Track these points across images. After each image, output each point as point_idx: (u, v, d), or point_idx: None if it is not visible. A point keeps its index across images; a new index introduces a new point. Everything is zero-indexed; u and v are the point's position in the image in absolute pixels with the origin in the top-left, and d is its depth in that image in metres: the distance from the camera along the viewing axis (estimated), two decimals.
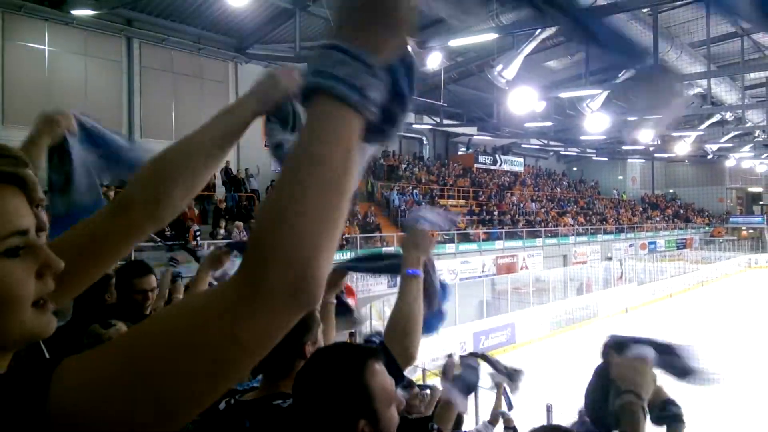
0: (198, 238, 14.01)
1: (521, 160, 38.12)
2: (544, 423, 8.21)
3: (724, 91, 22.64)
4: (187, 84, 17.80)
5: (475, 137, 33.70)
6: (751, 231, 44.33)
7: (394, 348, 1.60)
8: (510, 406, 5.68)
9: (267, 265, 0.59)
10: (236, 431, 1.43)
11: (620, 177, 46.86)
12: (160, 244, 13.22)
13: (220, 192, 17.19)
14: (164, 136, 17.16)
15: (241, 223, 15.24)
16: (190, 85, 17.90)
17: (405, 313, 1.66)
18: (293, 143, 0.66)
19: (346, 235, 18.17)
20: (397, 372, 1.59)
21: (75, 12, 14.48)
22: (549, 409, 8.28)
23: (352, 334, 14.08)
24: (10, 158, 0.72)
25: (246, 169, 18.24)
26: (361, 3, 0.68)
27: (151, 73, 16.91)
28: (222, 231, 14.80)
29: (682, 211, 45.72)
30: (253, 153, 19.31)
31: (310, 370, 1.15)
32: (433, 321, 1.89)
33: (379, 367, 1.15)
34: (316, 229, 0.61)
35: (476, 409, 6.48)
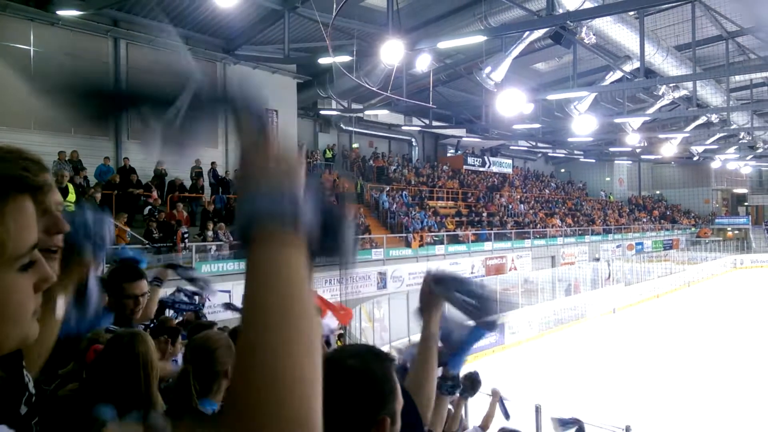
0: (186, 241, 13.93)
1: (510, 161, 38.32)
2: (534, 426, 8.25)
3: (709, 93, 22.91)
4: None
5: (463, 139, 33.84)
6: (736, 232, 44.89)
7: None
8: (507, 416, 5.60)
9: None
10: None
11: (607, 178, 47.24)
12: (147, 246, 13.13)
13: (208, 194, 17.09)
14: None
15: (224, 225, 15.17)
16: None
17: (431, 381, 1.67)
18: (252, 293, 0.63)
19: None
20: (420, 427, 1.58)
21: (61, 12, 14.32)
22: (537, 409, 8.32)
23: (341, 336, 14.02)
24: (28, 161, 0.71)
25: (235, 171, 18.12)
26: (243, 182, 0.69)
27: (139, 75, 16.72)
28: (210, 233, 14.71)
29: (668, 212, 46.19)
30: None
31: (337, 371, 1.14)
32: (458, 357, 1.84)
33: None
34: (309, 386, 0.60)
35: (466, 413, 6.48)
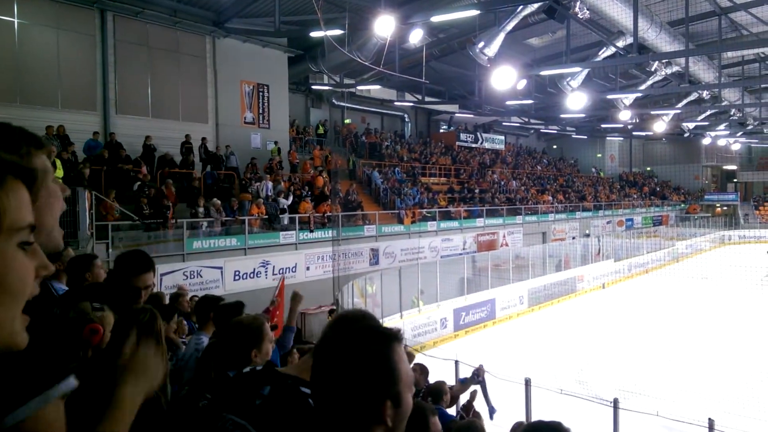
0: (175, 219, 13.85)
1: (502, 138, 38.25)
2: (524, 399, 8.40)
3: (701, 69, 22.85)
4: (163, 59, 17.36)
5: (456, 115, 33.67)
6: (725, 208, 45.32)
7: None
8: (492, 410, 6.76)
9: None
10: (251, 392, 1.45)
11: (599, 155, 47.36)
12: (137, 222, 13.07)
13: (199, 170, 16.94)
14: (140, 112, 16.81)
15: (218, 201, 15.07)
16: (167, 60, 17.46)
17: None
18: None
19: (328, 214, 18.13)
20: None
21: None
22: (527, 383, 8.46)
23: (332, 312, 14.12)
24: (24, 144, 0.72)
25: (227, 147, 17.97)
26: None
27: (126, 48, 16.44)
28: (201, 209, 14.64)
29: (658, 189, 46.47)
30: (231, 130, 19.05)
31: (334, 350, 1.11)
32: None
33: (402, 351, 1.14)
34: None
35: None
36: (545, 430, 1.76)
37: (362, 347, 1.09)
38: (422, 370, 5.83)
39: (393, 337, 1.14)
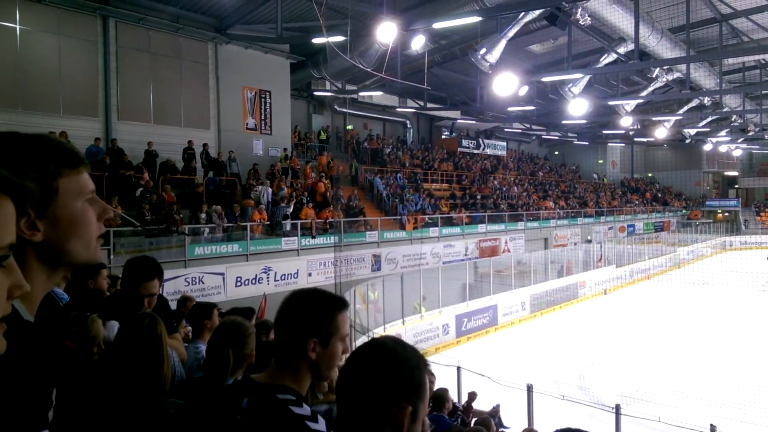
0: (176, 226, 13.86)
1: (504, 144, 38.28)
2: (526, 405, 8.37)
3: (702, 76, 22.89)
4: (165, 65, 17.42)
5: (458, 121, 33.73)
6: (726, 214, 45.28)
7: None
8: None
9: None
10: (231, 406, 1.46)
11: (600, 161, 47.37)
12: (139, 228, 13.08)
13: (201, 176, 16.96)
14: (142, 118, 16.86)
15: (220, 207, 15.06)
16: (169, 66, 17.52)
17: None
18: None
19: (330, 219, 18.13)
20: None
21: None
22: (530, 389, 8.44)
23: None
24: (15, 162, 0.71)
25: (229, 153, 18.00)
26: None
27: (128, 54, 16.50)
28: (203, 215, 14.65)
29: (660, 195, 46.44)
30: (233, 136, 19.10)
31: (376, 348, 1.19)
32: None
33: (429, 378, 1.26)
34: None
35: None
36: None
37: (403, 352, 1.18)
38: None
39: (424, 360, 1.26)
